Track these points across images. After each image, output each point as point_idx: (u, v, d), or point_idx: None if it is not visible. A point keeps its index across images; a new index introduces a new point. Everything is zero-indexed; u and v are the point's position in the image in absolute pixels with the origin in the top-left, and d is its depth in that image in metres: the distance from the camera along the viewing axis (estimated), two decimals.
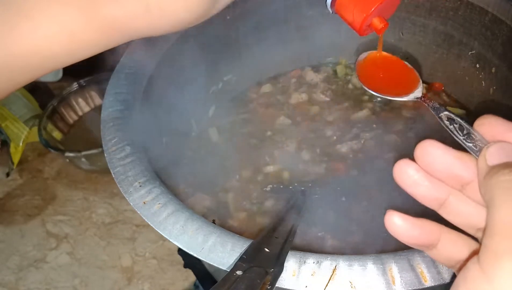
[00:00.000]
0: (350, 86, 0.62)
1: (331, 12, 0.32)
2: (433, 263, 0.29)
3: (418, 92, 0.32)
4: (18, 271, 0.71)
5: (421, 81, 0.33)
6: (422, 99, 0.30)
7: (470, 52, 0.54)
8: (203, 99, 0.57)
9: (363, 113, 0.56)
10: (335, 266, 0.29)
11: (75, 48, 0.27)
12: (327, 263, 0.30)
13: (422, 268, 0.29)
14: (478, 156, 0.22)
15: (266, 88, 0.63)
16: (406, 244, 0.24)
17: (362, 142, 0.53)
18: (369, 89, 0.33)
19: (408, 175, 0.23)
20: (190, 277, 0.69)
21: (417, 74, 0.33)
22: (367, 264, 0.30)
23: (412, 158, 0.24)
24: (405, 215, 0.24)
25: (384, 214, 0.24)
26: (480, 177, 0.21)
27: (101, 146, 0.39)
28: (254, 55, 0.60)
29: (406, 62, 0.35)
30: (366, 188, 0.48)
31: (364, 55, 0.35)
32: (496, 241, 0.17)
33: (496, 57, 0.51)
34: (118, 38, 0.28)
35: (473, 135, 0.23)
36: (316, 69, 0.64)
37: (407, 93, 0.32)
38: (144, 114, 0.45)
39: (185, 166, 0.52)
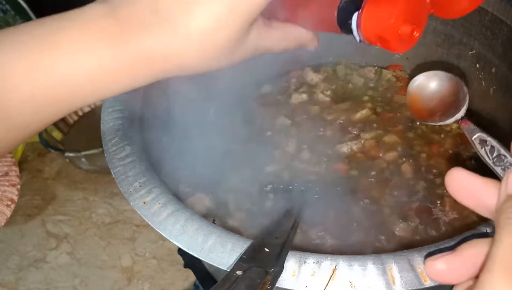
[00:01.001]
0: (350, 86, 0.62)
1: (358, 40, 0.30)
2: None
3: (462, 112, 0.30)
4: (18, 271, 0.71)
5: (467, 98, 0.31)
6: (461, 122, 0.29)
7: (470, 52, 0.54)
8: (203, 99, 0.57)
9: (363, 113, 0.56)
10: (335, 266, 0.29)
11: (102, 81, 0.26)
12: (327, 263, 0.30)
13: (422, 268, 0.29)
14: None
15: (266, 88, 0.63)
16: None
17: (362, 142, 0.53)
18: (420, 118, 0.32)
19: (460, 183, 0.23)
20: (190, 277, 0.69)
21: (465, 89, 0.32)
22: (367, 264, 0.30)
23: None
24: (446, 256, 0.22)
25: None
26: (498, 202, 0.20)
27: (101, 146, 0.39)
28: None
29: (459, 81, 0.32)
30: (366, 188, 0.48)
31: (414, 83, 0.33)
32: (485, 277, 0.17)
33: (496, 57, 0.51)
34: (145, 73, 0.27)
35: (503, 156, 0.22)
36: (316, 69, 0.64)
37: (453, 114, 0.31)
38: (144, 115, 0.45)
39: (185, 166, 0.52)
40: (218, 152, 0.54)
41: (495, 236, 0.18)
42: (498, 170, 0.22)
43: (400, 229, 0.45)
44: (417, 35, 0.28)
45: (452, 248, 0.30)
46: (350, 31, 0.29)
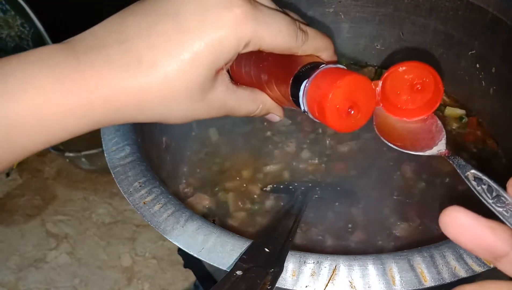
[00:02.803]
0: None
1: (303, 110, 0.29)
2: (433, 263, 0.29)
3: (441, 145, 0.28)
4: (18, 271, 0.71)
5: (444, 132, 0.29)
6: (446, 154, 0.27)
7: (470, 52, 0.54)
8: None
9: None
10: (335, 266, 0.30)
11: (52, 120, 0.24)
12: (327, 264, 0.30)
13: (422, 268, 0.29)
14: (511, 223, 0.20)
15: None
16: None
17: (362, 142, 0.53)
18: (389, 142, 0.31)
19: (461, 225, 0.20)
20: (190, 277, 0.69)
21: (440, 124, 0.30)
22: (367, 264, 0.30)
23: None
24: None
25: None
26: None
27: (101, 146, 0.39)
28: None
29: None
30: (366, 188, 0.48)
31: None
32: None
33: (496, 57, 0.51)
34: (103, 109, 0.25)
35: (503, 198, 0.20)
36: None
37: (429, 146, 0.29)
38: None
39: (185, 166, 0.53)
40: (218, 152, 0.54)
41: None
42: (500, 210, 0.20)
43: (400, 230, 0.45)
44: (356, 116, 0.28)
45: (452, 249, 0.30)
46: (296, 97, 0.29)
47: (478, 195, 0.21)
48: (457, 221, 0.20)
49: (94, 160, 0.76)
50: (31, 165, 0.85)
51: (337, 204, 0.47)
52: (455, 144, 0.53)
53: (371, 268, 0.29)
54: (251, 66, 0.31)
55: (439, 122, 0.30)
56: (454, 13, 0.53)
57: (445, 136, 0.28)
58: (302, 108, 0.29)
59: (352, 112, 0.28)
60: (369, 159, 0.51)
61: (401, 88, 0.31)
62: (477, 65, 0.54)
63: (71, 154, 0.74)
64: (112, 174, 0.37)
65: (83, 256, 0.73)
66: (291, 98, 0.30)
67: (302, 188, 0.48)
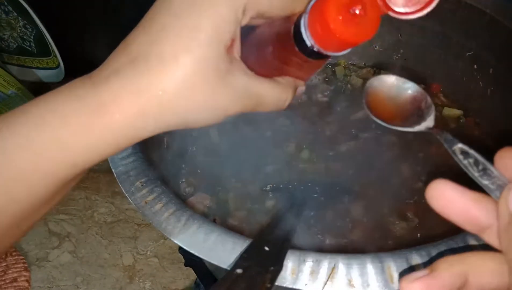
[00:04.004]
0: (349, 86, 0.62)
1: (309, 44, 0.27)
2: (430, 262, 0.30)
3: (430, 121, 0.28)
4: None
5: (433, 108, 0.29)
6: (434, 130, 0.27)
7: (468, 53, 0.54)
8: None
9: (362, 114, 0.57)
10: (334, 265, 0.30)
11: (71, 161, 0.25)
12: (326, 262, 0.30)
13: (420, 267, 0.29)
14: (496, 196, 0.20)
15: None
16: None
17: (361, 142, 0.53)
18: (378, 118, 0.30)
19: (447, 198, 0.20)
20: (191, 275, 0.69)
21: (429, 99, 0.30)
22: (365, 262, 0.30)
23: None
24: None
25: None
26: (500, 225, 0.19)
27: None
28: None
29: (419, 87, 0.31)
30: (365, 188, 0.48)
31: (372, 81, 0.32)
32: None
33: (494, 58, 0.51)
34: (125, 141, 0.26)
35: (489, 171, 0.20)
36: None
37: (418, 122, 0.29)
38: None
39: (186, 166, 0.53)
40: (219, 152, 0.54)
41: (509, 254, 0.18)
42: (486, 183, 0.20)
43: (399, 229, 0.45)
44: (363, 17, 0.25)
45: (450, 247, 0.30)
46: (302, 41, 0.28)
47: (465, 169, 0.22)
48: (443, 194, 0.20)
49: None
50: None
51: (336, 203, 0.47)
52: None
53: (370, 267, 0.30)
54: (259, 55, 0.30)
55: (429, 98, 0.29)
56: (452, 14, 0.54)
57: (434, 112, 0.28)
58: (309, 43, 0.27)
59: (357, 11, 0.25)
60: (368, 158, 0.52)
61: None
62: (475, 66, 0.54)
63: None
64: (114, 174, 0.38)
65: (85, 255, 0.73)
66: (298, 50, 0.28)
67: (302, 187, 0.48)
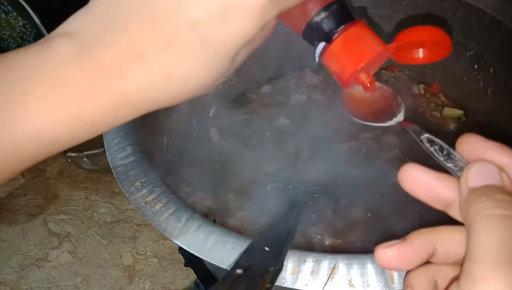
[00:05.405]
0: None
1: (317, 61, 0.29)
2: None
3: (400, 117, 0.32)
4: (20, 270, 0.72)
5: (403, 105, 0.32)
6: (403, 123, 0.30)
7: (468, 53, 0.54)
8: (204, 100, 0.57)
9: None
10: (334, 265, 0.30)
11: (79, 130, 0.24)
12: (326, 262, 0.30)
13: None
14: (458, 176, 0.22)
15: (266, 88, 0.63)
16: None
17: (361, 142, 0.53)
18: (354, 117, 0.33)
19: (415, 177, 0.23)
20: (191, 275, 0.69)
21: (399, 98, 0.33)
22: (366, 263, 0.30)
23: (411, 159, 0.24)
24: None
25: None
26: (461, 199, 0.21)
27: (102, 146, 0.40)
28: (254, 55, 0.60)
29: (387, 87, 0.34)
30: (365, 188, 0.48)
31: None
32: (474, 267, 0.18)
33: (494, 58, 0.51)
34: (128, 113, 0.25)
35: (452, 155, 0.23)
36: (315, 70, 0.64)
37: (390, 118, 0.32)
38: (145, 116, 0.46)
39: (186, 166, 0.53)
40: (219, 152, 0.54)
41: (472, 227, 0.19)
42: (450, 166, 0.23)
43: (400, 229, 0.45)
44: (370, 85, 0.29)
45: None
46: (312, 45, 0.29)
47: (431, 155, 0.25)
48: (411, 175, 0.23)
49: (95, 160, 0.76)
50: (33, 165, 0.86)
51: (336, 203, 0.47)
52: (453, 144, 0.53)
53: (370, 267, 0.30)
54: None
55: (398, 98, 0.33)
56: (452, 14, 0.54)
57: (403, 109, 0.31)
58: (317, 60, 0.29)
59: (369, 84, 0.29)
60: (369, 158, 0.52)
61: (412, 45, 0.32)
62: (475, 66, 0.54)
63: (73, 154, 0.75)
64: (114, 174, 0.38)
65: (85, 255, 0.73)
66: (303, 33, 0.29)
67: (302, 187, 0.49)
